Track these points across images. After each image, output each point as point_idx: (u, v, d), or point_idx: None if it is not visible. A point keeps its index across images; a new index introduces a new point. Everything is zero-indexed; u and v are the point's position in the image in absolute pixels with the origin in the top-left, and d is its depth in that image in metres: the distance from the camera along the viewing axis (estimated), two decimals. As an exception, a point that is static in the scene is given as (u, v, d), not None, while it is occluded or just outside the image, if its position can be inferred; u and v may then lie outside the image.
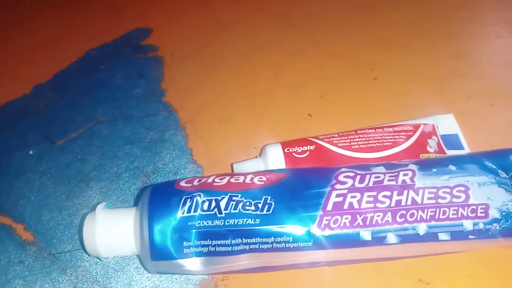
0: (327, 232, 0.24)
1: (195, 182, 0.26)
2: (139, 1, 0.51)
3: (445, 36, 0.42)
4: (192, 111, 0.38)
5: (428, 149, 0.30)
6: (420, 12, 0.44)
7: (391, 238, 0.24)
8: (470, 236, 0.24)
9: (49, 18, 0.50)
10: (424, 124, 0.32)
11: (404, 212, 0.24)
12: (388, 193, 0.25)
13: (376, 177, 0.25)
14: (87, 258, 0.30)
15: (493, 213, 0.24)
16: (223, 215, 0.24)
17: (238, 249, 0.24)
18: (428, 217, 0.24)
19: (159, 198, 0.25)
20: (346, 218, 0.24)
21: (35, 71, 0.43)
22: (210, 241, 0.24)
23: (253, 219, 0.24)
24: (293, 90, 0.39)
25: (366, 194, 0.25)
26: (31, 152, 0.36)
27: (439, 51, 0.40)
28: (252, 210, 0.24)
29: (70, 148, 0.36)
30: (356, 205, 0.24)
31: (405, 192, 0.25)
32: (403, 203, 0.24)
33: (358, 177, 0.25)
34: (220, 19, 0.47)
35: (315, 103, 0.38)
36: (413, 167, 0.26)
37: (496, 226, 0.24)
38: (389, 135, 0.30)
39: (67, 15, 0.50)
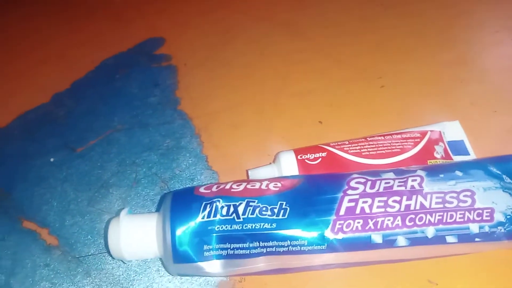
0: (340, 235, 0.25)
1: (214, 188, 0.27)
2: (149, 12, 0.53)
3: (448, 44, 0.43)
4: (206, 118, 0.39)
5: (435, 155, 0.31)
6: (423, 21, 0.46)
7: (401, 241, 0.25)
8: (476, 239, 0.25)
9: (64, 29, 0.52)
10: (431, 131, 0.33)
11: (413, 216, 0.25)
12: (397, 198, 0.26)
13: (386, 183, 0.27)
14: (110, 261, 0.31)
15: (498, 217, 0.25)
16: (241, 219, 0.25)
17: (256, 252, 0.26)
18: (436, 221, 0.25)
19: (180, 204, 0.27)
20: (358, 222, 0.25)
21: (54, 80, 0.45)
22: (229, 244, 0.25)
23: (269, 224, 0.25)
24: (301, 98, 0.40)
25: (376, 199, 0.26)
26: (52, 160, 0.38)
27: (443, 58, 0.42)
28: (268, 215, 0.25)
29: (89, 155, 0.38)
30: (367, 210, 0.25)
31: (414, 197, 0.26)
32: (412, 207, 0.25)
33: (369, 183, 0.27)
34: (227, 29, 0.49)
35: (324, 110, 0.39)
36: (421, 173, 0.27)
37: (501, 229, 0.25)
38: (398, 142, 0.32)
39: (82, 25, 0.52)
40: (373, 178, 0.27)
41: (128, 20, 0.52)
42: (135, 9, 0.53)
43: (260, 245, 0.25)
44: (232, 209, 0.26)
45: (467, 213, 0.25)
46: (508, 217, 0.25)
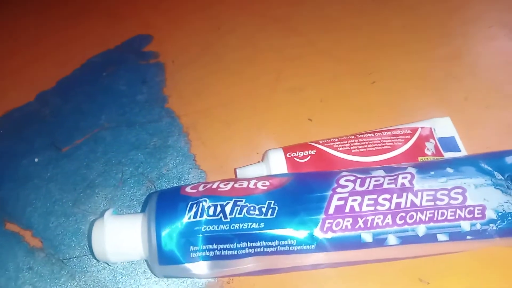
0: (330, 235, 0.25)
1: (200, 188, 0.27)
2: (138, 8, 0.51)
3: (440, 39, 0.43)
4: (194, 117, 0.39)
5: (426, 152, 0.31)
6: (416, 16, 0.45)
7: (392, 239, 0.25)
8: (468, 237, 0.25)
9: (49, 26, 0.51)
10: (422, 127, 0.32)
11: (403, 214, 0.25)
12: (387, 196, 0.25)
13: (376, 181, 0.26)
14: (95, 263, 0.30)
15: (490, 214, 0.25)
16: (229, 219, 0.25)
17: (243, 252, 0.25)
18: (426, 219, 0.25)
19: (165, 204, 0.26)
20: (348, 221, 0.25)
21: (39, 79, 0.44)
22: (216, 245, 0.25)
23: (257, 223, 0.25)
24: (293, 95, 0.40)
25: (366, 197, 0.25)
26: (36, 160, 0.37)
27: (435, 54, 0.41)
28: (256, 215, 0.25)
29: (75, 155, 0.37)
30: (357, 208, 0.25)
31: (404, 194, 0.25)
32: (402, 205, 0.25)
33: (359, 180, 0.26)
34: (220, 25, 0.48)
35: (315, 106, 0.38)
36: (412, 170, 0.27)
37: (492, 227, 0.25)
38: (388, 139, 0.31)
39: (67, 23, 0.51)
40: (363, 176, 0.26)
41: (116, 17, 0.50)
42: (123, 6, 0.52)
43: (248, 246, 0.25)
44: (219, 209, 0.25)
45: (458, 211, 0.25)
46: (499, 214, 0.25)
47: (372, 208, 0.25)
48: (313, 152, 0.31)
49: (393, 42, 0.43)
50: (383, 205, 0.25)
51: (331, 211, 0.25)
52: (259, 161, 0.32)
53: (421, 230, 0.25)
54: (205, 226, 0.25)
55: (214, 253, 0.25)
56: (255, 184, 0.27)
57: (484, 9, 0.45)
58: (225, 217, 0.25)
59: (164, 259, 0.25)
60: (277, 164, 0.30)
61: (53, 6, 0.53)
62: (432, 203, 0.25)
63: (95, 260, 0.30)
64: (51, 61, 0.46)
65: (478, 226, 0.25)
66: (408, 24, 0.44)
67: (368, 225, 0.25)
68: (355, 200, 0.25)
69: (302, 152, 0.31)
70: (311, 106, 0.38)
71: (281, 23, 0.47)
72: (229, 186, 0.27)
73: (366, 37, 0.44)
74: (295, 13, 0.48)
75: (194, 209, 0.25)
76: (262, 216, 0.25)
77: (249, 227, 0.25)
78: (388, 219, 0.25)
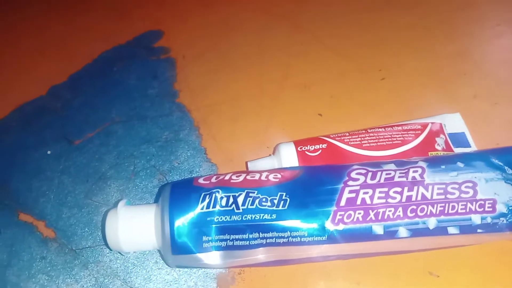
0: (341, 226, 0.25)
1: (213, 179, 0.27)
2: (147, 4, 0.52)
3: (449, 37, 0.43)
4: (205, 111, 0.39)
5: (436, 147, 0.31)
6: (424, 14, 0.45)
7: (402, 232, 0.25)
8: (478, 230, 0.25)
9: (61, 21, 0.51)
10: (432, 123, 0.33)
11: (414, 207, 0.25)
12: (399, 189, 0.26)
13: (387, 174, 0.26)
14: (108, 253, 0.31)
15: (500, 208, 0.25)
16: (241, 210, 0.25)
17: (255, 243, 0.25)
18: (437, 212, 0.25)
19: (179, 194, 0.26)
20: (359, 213, 0.25)
21: (51, 73, 0.44)
22: (228, 235, 0.25)
23: (269, 215, 0.25)
24: (302, 91, 0.40)
25: (377, 190, 0.26)
26: (49, 152, 0.37)
27: (444, 51, 0.41)
28: (268, 206, 0.25)
29: (87, 148, 0.37)
30: (368, 201, 0.25)
31: (415, 188, 0.26)
32: (413, 198, 0.25)
33: (370, 174, 0.26)
34: (227, 21, 0.48)
35: (325, 103, 0.38)
36: (423, 164, 0.27)
37: (503, 220, 0.25)
38: (398, 134, 0.31)
39: (79, 18, 0.51)
40: (374, 169, 0.27)
41: (127, 12, 0.51)
42: (134, 2, 0.53)
43: (260, 236, 0.25)
44: (231, 200, 0.25)
45: (469, 204, 0.25)
46: (510, 208, 0.25)
47: (383, 200, 0.25)
48: (324, 146, 0.31)
49: (401, 39, 0.43)
50: (394, 198, 0.25)
51: (342, 203, 0.25)
52: (270, 155, 0.33)
53: (431, 222, 0.25)
54: (218, 217, 0.25)
55: (226, 243, 0.25)
56: (267, 177, 0.27)
57: (490, 8, 0.45)
58: (238, 208, 0.25)
59: (177, 248, 0.25)
60: (289, 157, 0.31)
61: (65, 2, 0.54)
62: (443, 197, 0.25)
63: (107, 250, 0.31)
64: (62, 56, 0.47)
65: (489, 220, 0.25)
66: (416, 22, 0.44)
67: (379, 218, 0.25)
68: (366, 192, 0.25)
69: (313, 146, 0.31)
70: (320, 102, 0.39)
71: (287, 20, 0.47)
72: (241, 178, 0.27)
73: (374, 35, 0.44)
74: (301, 9, 0.48)
75: (207, 200, 0.25)
76: (274, 208, 0.25)
77: (261, 218, 0.25)
78: (399, 211, 0.25)
